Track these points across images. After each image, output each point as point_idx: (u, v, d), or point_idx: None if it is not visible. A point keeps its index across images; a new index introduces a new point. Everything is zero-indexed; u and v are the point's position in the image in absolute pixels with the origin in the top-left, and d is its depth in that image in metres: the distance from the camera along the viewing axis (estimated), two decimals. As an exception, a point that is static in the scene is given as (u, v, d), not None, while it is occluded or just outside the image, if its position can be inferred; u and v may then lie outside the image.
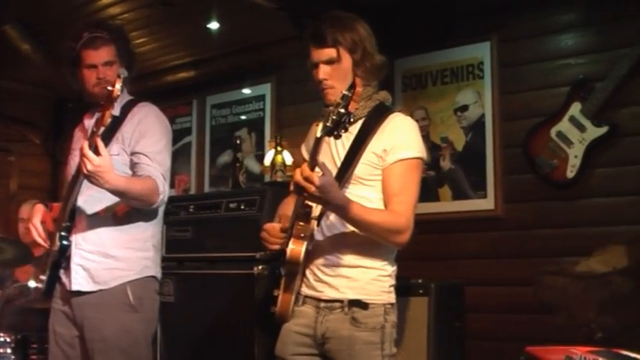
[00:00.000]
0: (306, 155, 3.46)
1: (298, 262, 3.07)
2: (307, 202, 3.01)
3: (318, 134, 2.73)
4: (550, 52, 5.18)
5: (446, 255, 5.40)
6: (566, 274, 4.42)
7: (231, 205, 5.10)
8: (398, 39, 5.67)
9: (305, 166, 2.78)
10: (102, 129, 3.38)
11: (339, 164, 3.14)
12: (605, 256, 4.41)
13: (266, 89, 6.65)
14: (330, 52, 3.16)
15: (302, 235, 3.06)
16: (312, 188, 2.75)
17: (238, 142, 6.18)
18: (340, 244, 3.15)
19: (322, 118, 2.81)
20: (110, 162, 3.37)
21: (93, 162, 3.28)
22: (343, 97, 2.63)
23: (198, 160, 7.12)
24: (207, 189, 6.97)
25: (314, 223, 3.11)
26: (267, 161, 6.05)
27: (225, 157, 6.80)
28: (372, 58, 3.21)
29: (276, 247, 3.19)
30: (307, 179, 2.74)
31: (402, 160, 3.10)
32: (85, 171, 3.29)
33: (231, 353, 4.76)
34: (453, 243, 5.42)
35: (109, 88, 3.27)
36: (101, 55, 3.67)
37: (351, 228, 3.10)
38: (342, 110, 2.62)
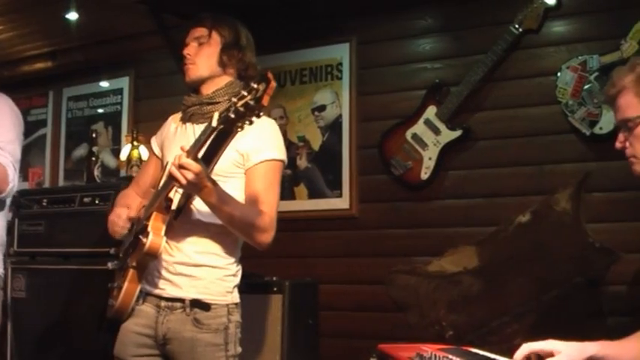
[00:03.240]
0: (156, 150, 3.44)
1: (157, 254, 3.02)
2: (169, 195, 3.00)
3: (214, 124, 2.66)
4: (408, 55, 5.26)
5: (301, 253, 5.41)
6: (418, 273, 4.49)
7: (86, 200, 4.96)
8: (257, 37, 5.64)
9: (182, 155, 2.77)
10: None
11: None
12: (456, 256, 4.50)
13: (124, 83, 6.51)
14: (201, 31, 3.26)
15: (161, 228, 3.03)
16: (191, 175, 2.75)
17: (94, 135, 6.02)
18: (187, 241, 3.13)
19: (185, 107, 2.82)
20: None
21: None
22: (251, 90, 2.57)
23: (53, 153, 6.90)
24: (61, 182, 6.77)
25: (171, 216, 3.08)
26: (124, 156, 5.92)
27: (81, 151, 6.62)
28: (243, 51, 3.31)
29: (124, 232, 3.16)
30: (183, 166, 2.75)
31: (266, 160, 3.15)
32: None
33: (84, 349, 4.64)
34: (308, 241, 5.43)
35: None
36: None
37: (199, 225, 3.12)
38: (252, 103, 2.55)
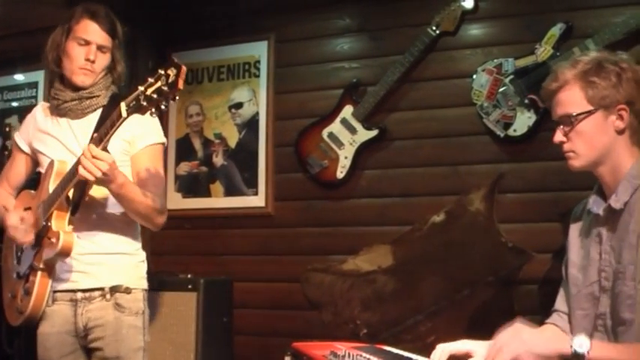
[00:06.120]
0: (23, 146, 3.38)
1: (70, 252, 3.00)
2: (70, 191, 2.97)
3: (124, 114, 2.70)
4: (325, 54, 5.27)
5: (216, 251, 5.38)
6: (333, 271, 4.50)
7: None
8: (175, 33, 5.61)
9: (92, 146, 2.78)
10: None
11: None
12: (370, 254, 4.52)
13: (39, 76, 6.34)
14: (109, 40, 3.24)
15: (65, 225, 3.02)
16: (106, 166, 2.78)
17: (8, 129, 5.90)
18: (94, 231, 3.17)
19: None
20: None
21: None
22: (159, 76, 2.62)
23: (-34, 147, 6.73)
24: (-26, 176, 6.61)
25: (69, 211, 3.06)
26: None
27: (-6, 145, 6.47)
28: (122, 61, 3.35)
29: (31, 238, 3.12)
30: (97, 157, 2.77)
31: (151, 145, 3.24)
32: None
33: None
34: (224, 239, 5.40)
35: None
36: None
37: (102, 215, 3.15)
38: (166, 88, 2.61)
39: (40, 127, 3.31)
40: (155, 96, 2.62)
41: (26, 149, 3.37)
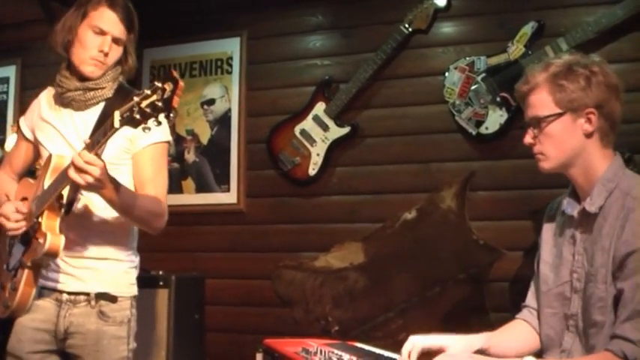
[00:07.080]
0: (27, 132, 3.29)
1: (57, 254, 2.90)
2: (64, 192, 2.89)
3: (117, 125, 2.52)
4: (298, 51, 5.26)
5: (188, 247, 5.36)
6: (305, 268, 4.51)
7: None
8: (148, 28, 5.55)
9: (85, 152, 2.64)
10: None
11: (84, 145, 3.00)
12: (342, 252, 4.54)
13: (10, 72, 6.29)
14: (125, 33, 3.11)
15: (55, 226, 2.92)
16: (98, 172, 2.64)
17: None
18: (87, 234, 3.05)
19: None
20: None
21: None
22: (156, 89, 2.43)
23: (-63, 143, 6.66)
24: (-57, 173, 6.53)
25: (62, 211, 2.98)
26: (9, 146, 5.77)
27: (-36, 141, 6.40)
28: (134, 54, 3.20)
29: (22, 229, 3.05)
30: (90, 162, 2.62)
31: (153, 143, 3.08)
32: None
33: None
34: (195, 236, 5.38)
35: None
36: None
37: (95, 217, 3.03)
38: (160, 104, 2.41)
39: (43, 115, 3.20)
40: (149, 110, 2.42)
41: (29, 136, 3.27)
